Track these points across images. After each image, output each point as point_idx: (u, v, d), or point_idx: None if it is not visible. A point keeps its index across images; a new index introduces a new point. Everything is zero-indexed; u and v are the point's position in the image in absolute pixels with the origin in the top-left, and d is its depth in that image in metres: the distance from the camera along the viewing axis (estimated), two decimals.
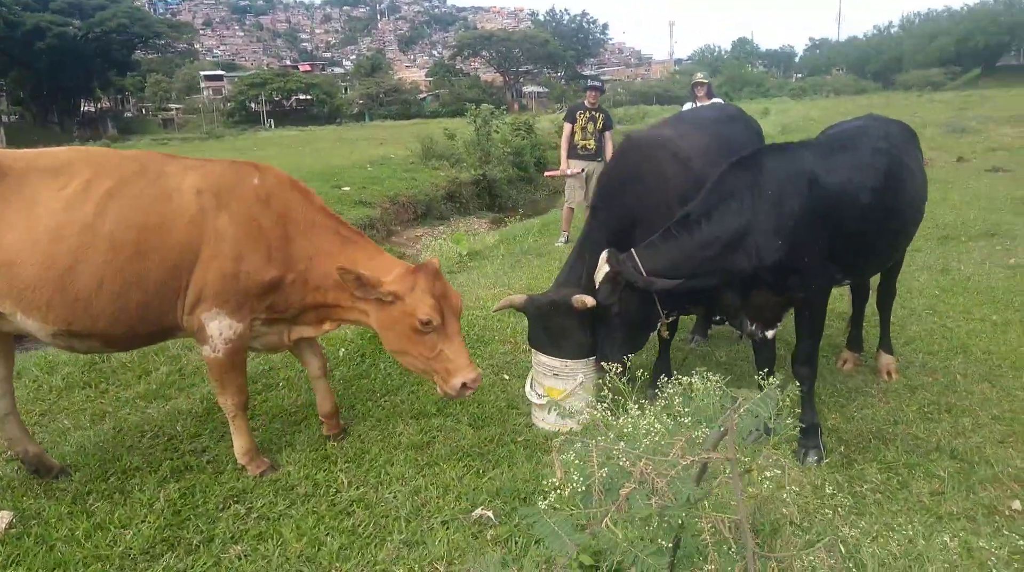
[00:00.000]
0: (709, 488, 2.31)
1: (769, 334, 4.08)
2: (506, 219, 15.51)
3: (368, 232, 11.31)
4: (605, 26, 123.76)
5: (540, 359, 4.37)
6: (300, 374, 5.09)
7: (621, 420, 2.62)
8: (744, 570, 2.10)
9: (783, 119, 33.22)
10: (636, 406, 2.61)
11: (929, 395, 4.65)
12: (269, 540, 3.31)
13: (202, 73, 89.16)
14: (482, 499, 3.61)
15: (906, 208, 4.29)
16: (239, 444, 3.88)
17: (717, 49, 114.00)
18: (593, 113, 10.00)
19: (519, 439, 4.25)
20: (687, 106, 9.93)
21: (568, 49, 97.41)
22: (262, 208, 3.59)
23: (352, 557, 3.20)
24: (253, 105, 68.08)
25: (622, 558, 2.07)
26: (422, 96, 79.27)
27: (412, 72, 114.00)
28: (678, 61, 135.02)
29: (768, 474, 2.32)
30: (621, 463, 2.22)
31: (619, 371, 3.20)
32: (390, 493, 3.69)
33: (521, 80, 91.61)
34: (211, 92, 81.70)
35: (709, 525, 2.21)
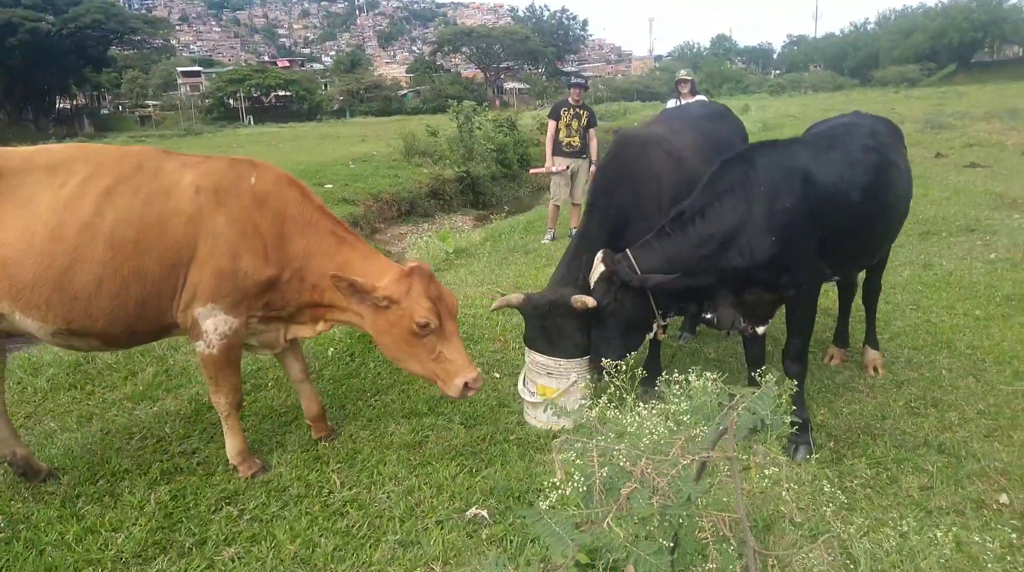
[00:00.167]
0: (708, 486, 2.33)
1: (760, 330, 4.11)
2: (491, 216, 15.49)
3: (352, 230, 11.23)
4: (585, 22, 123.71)
5: (534, 357, 4.36)
6: None
7: (619, 418, 2.63)
8: (744, 568, 2.12)
9: (763, 115, 33.41)
10: (634, 406, 2.62)
11: (915, 390, 4.70)
12: (263, 542, 3.29)
13: (179, 69, 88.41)
14: (476, 498, 3.60)
15: (893, 205, 4.34)
16: (232, 444, 3.85)
17: (697, 45, 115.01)
18: (577, 110, 10.01)
19: (511, 437, 4.25)
20: (671, 103, 9.96)
21: (548, 45, 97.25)
22: (260, 206, 3.57)
23: (347, 558, 3.19)
24: (231, 101, 67.47)
25: (620, 556, 2.08)
26: (403, 92, 78.98)
27: (392, 68, 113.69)
28: (658, 57, 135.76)
29: (767, 472, 2.33)
30: (621, 463, 2.22)
31: (614, 372, 3.21)
32: (383, 493, 3.68)
33: (502, 76, 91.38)
34: (188, 88, 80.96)
35: (709, 523, 2.22)
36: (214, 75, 78.27)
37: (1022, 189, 11.38)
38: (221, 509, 3.56)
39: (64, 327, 3.38)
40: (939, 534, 2.77)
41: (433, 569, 3.11)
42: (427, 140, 20.45)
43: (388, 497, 3.64)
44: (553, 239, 10.09)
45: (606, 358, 3.60)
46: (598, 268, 3.86)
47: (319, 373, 5.21)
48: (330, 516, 3.50)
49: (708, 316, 4.06)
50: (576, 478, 2.28)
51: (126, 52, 72.21)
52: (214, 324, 3.54)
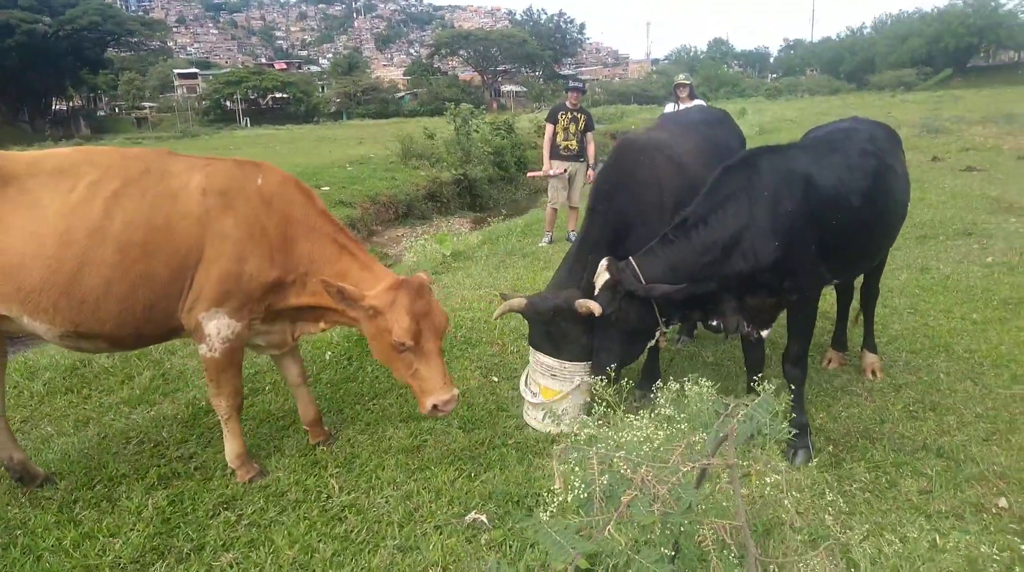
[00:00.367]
0: (709, 492, 2.32)
1: (764, 334, 4.11)
2: (488, 219, 15.50)
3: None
4: (582, 26, 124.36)
5: (539, 358, 4.35)
6: None
7: (619, 427, 2.62)
8: None
9: (760, 119, 33.42)
10: (633, 414, 2.62)
11: (914, 394, 4.70)
12: (261, 547, 3.28)
13: (176, 71, 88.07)
14: (475, 503, 3.59)
15: (892, 209, 4.35)
16: (231, 448, 3.84)
17: (693, 49, 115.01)
18: (575, 114, 10.01)
19: (510, 442, 4.24)
20: (669, 107, 9.98)
21: (546, 48, 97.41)
22: (266, 209, 3.57)
23: (346, 564, 3.18)
24: (228, 103, 67.31)
25: (620, 563, 2.08)
26: (400, 95, 78.93)
27: (389, 71, 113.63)
28: (655, 61, 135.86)
29: (768, 480, 2.32)
30: (622, 470, 2.22)
31: (611, 380, 3.21)
32: (382, 498, 3.67)
33: (499, 79, 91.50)
34: (185, 90, 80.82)
35: (710, 531, 2.22)
36: (211, 77, 78.17)
37: (1018, 193, 11.42)
38: (219, 514, 3.55)
39: (72, 330, 3.38)
40: (938, 538, 2.77)
41: None
42: (424, 143, 20.47)
43: (387, 502, 3.63)
44: (551, 242, 10.09)
45: (608, 365, 3.59)
46: (602, 276, 3.84)
47: (317, 377, 5.19)
48: (328, 521, 3.48)
49: (714, 323, 4.04)
50: (576, 486, 2.28)
51: (123, 54, 72.14)
52: (217, 327, 3.53)
